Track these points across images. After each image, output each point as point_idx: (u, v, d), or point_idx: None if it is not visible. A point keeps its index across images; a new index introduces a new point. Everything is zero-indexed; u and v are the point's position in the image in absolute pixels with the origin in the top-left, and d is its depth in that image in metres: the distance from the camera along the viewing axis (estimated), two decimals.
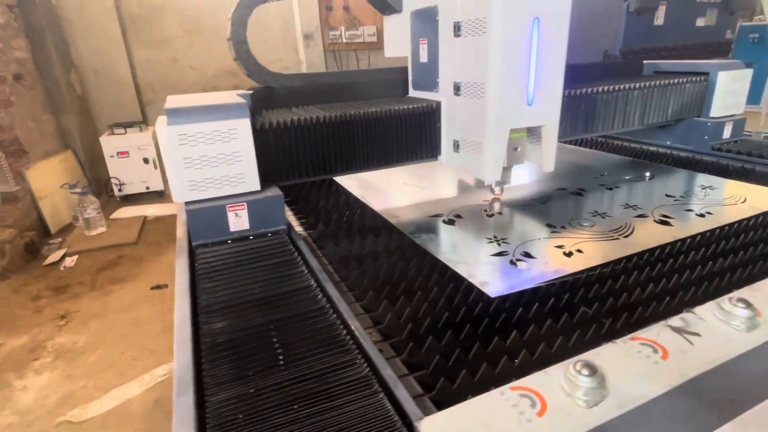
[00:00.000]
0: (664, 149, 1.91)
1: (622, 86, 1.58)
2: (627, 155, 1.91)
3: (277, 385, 0.64)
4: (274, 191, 1.16)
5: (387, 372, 0.65)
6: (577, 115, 1.55)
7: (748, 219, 1.17)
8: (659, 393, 0.57)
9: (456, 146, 1.26)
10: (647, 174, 1.58)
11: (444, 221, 1.26)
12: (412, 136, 1.33)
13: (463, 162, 1.24)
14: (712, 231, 1.11)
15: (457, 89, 1.19)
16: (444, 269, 0.99)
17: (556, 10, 1.04)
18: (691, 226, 1.14)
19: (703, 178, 1.52)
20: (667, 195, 1.38)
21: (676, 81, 1.70)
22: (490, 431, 0.53)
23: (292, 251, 1.05)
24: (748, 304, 0.70)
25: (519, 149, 1.25)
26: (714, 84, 1.76)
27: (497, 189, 1.33)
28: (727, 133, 1.82)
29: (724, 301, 0.72)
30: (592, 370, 0.57)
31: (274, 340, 0.74)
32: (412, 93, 1.46)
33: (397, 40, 1.44)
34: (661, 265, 0.96)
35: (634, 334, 0.69)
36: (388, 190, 1.58)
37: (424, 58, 1.31)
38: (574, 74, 1.54)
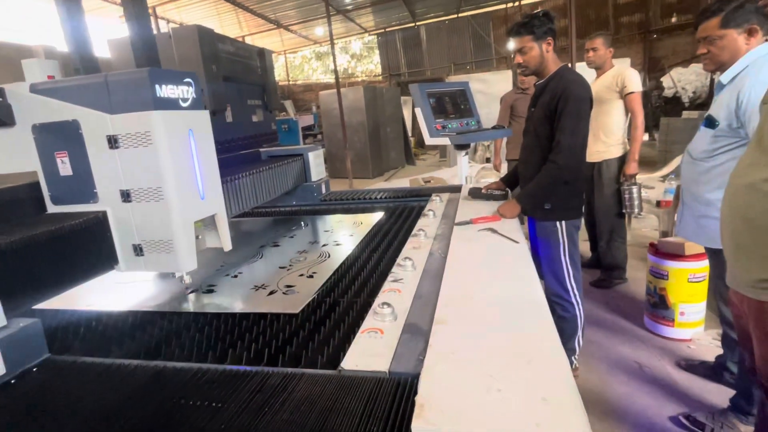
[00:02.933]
0: (293, 207, 2.69)
1: (262, 168, 2.20)
2: (275, 216, 2.58)
3: None
4: (26, 320, 1.03)
5: None
6: (238, 196, 2.00)
7: (375, 227, 2.03)
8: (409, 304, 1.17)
9: (138, 250, 1.28)
10: (302, 223, 2.28)
11: (203, 292, 1.46)
12: (85, 252, 1.24)
13: (151, 262, 1.29)
14: (364, 240, 1.89)
15: (126, 196, 1.24)
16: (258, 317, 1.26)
17: (202, 124, 1.36)
18: (354, 240, 1.88)
19: (335, 217, 2.36)
20: (324, 231, 2.11)
21: (290, 161, 2.51)
22: (373, 350, 0.95)
23: (104, 364, 1.02)
24: (410, 258, 1.43)
25: (200, 237, 1.46)
26: (308, 160, 2.70)
27: (187, 277, 1.40)
28: (324, 189, 2.80)
29: (400, 260, 1.43)
30: (388, 305, 1.10)
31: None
32: (54, 209, 1.32)
33: (8, 155, 1.31)
34: (358, 260, 1.62)
35: (374, 305, 1.26)
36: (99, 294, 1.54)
37: (66, 171, 1.26)
38: (223, 165, 1.75)
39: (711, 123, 1.60)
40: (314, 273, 1.55)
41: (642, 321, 2.48)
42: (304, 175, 2.69)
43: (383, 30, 15.18)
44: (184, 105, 1.27)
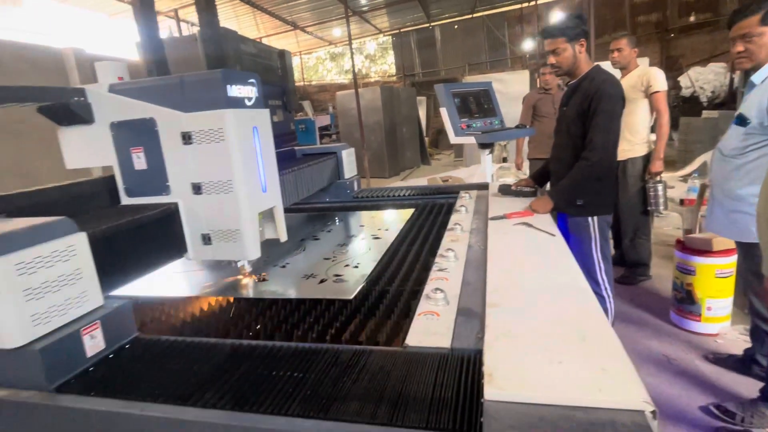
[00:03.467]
0: (326, 204, 2.79)
1: (303, 165, 2.30)
2: (309, 212, 2.68)
3: None
4: (119, 301, 1.13)
5: None
6: (282, 191, 2.09)
7: (408, 222, 2.12)
8: (458, 290, 1.25)
9: (207, 239, 1.38)
10: (337, 219, 2.37)
11: (259, 280, 1.56)
12: (158, 241, 1.35)
13: (219, 251, 1.39)
14: (401, 233, 1.97)
15: (197, 189, 1.34)
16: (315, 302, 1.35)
17: (264, 121, 1.47)
18: (390, 235, 1.96)
19: (368, 214, 2.45)
20: (360, 225, 2.20)
21: (325, 159, 2.60)
22: (432, 329, 1.04)
23: (185, 342, 1.12)
24: (452, 249, 1.51)
25: (262, 228, 1.53)
26: (341, 158, 2.79)
27: (248, 266, 1.55)
28: (356, 186, 2.90)
29: (442, 251, 1.51)
30: (441, 290, 1.19)
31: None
32: (128, 200, 1.43)
33: (86, 151, 1.42)
34: (398, 252, 1.70)
35: (426, 291, 1.34)
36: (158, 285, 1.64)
37: (141, 165, 1.37)
38: None
39: (742, 121, 1.66)
40: (358, 264, 1.64)
41: (668, 316, 2.52)
42: (337, 172, 2.79)
43: (398, 31, 15.27)
44: (249, 104, 1.37)
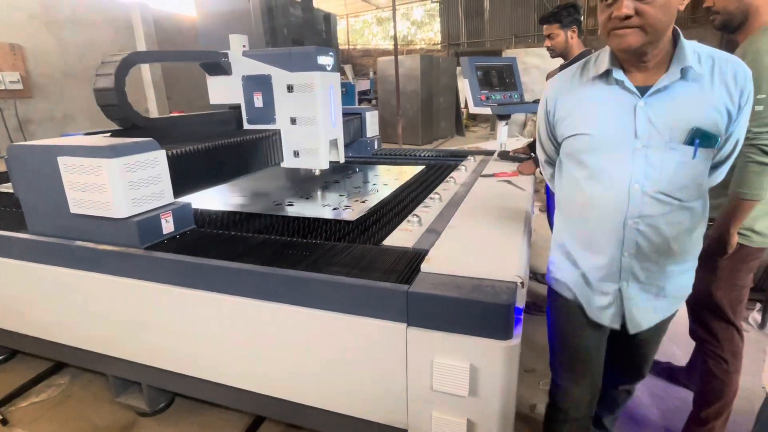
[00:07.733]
0: (349, 158, 3.18)
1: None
2: (333, 163, 3.08)
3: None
4: (184, 201, 1.59)
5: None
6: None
7: (416, 176, 2.50)
8: (433, 218, 1.63)
9: (296, 154, 2.10)
10: (357, 168, 2.78)
11: (286, 205, 2.00)
12: (266, 152, 2.05)
13: (302, 162, 2.11)
14: (406, 183, 2.36)
15: (293, 121, 2.02)
16: (326, 221, 1.78)
17: (336, 81, 2.07)
18: (398, 183, 2.35)
19: (383, 167, 2.84)
20: (374, 176, 2.60)
21: (351, 118, 2.98)
22: (403, 238, 1.44)
23: (229, 234, 1.57)
24: (438, 194, 1.88)
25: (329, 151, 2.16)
26: (365, 119, 3.17)
27: (317, 172, 2.24)
28: (376, 145, 3.28)
29: (431, 195, 1.89)
30: (417, 216, 1.58)
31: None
32: (248, 126, 2.12)
33: (225, 92, 2.11)
34: (399, 195, 2.10)
35: (408, 217, 1.74)
36: (220, 202, 2.11)
37: (259, 104, 2.05)
38: None
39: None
40: (366, 200, 2.05)
41: None
42: (361, 131, 3.17)
43: None
44: (329, 69, 1.98)
